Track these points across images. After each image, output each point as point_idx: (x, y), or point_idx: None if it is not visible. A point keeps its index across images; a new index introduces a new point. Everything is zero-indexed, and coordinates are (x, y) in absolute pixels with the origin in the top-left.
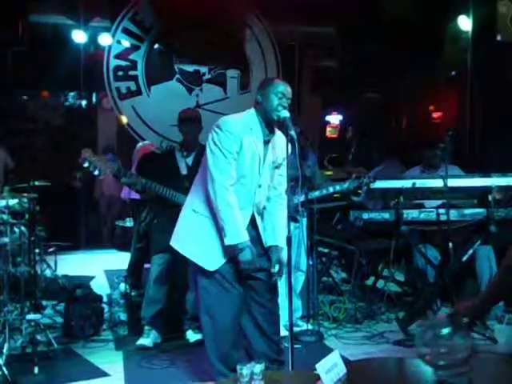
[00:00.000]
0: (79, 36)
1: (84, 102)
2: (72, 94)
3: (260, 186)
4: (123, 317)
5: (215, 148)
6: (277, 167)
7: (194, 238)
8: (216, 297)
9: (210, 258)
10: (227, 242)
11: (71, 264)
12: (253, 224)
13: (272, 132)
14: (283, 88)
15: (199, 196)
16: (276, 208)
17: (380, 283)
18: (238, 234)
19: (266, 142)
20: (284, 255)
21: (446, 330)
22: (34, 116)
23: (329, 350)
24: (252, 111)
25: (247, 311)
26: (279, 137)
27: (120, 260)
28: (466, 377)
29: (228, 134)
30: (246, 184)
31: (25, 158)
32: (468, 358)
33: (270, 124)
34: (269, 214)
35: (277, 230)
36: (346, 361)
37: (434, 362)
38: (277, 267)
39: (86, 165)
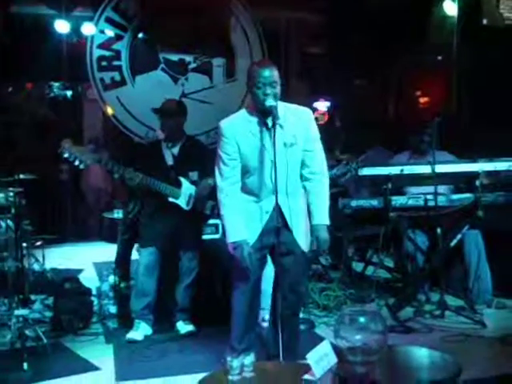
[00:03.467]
0: (62, 26)
1: (69, 93)
2: (57, 84)
3: (281, 172)
4: (113, 309)
5: (218, 152)
6: (290, 146)
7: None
8: (237, 280)
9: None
10: (229, 240)
11: (59, 257)
12: (280, 211)
13: (274, 116)
14: (262, 73)
15: None
16: (312, 185)
17: (369, 270)
18: (235, 233)
19: (271, 127)
20: (322, 233)
21: (362, 319)
22: (18, 108)
23: (320, 339)
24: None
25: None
26: (293, 114)
27: (109, 252)
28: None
29: (224, 139)
30: (259, 176)
31: (9, 150)
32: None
33: (266, 112)
34: (308, 194)
35: (313, 208)
36: (336, 350)
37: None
38: (312, 246)
39: (65, 155)
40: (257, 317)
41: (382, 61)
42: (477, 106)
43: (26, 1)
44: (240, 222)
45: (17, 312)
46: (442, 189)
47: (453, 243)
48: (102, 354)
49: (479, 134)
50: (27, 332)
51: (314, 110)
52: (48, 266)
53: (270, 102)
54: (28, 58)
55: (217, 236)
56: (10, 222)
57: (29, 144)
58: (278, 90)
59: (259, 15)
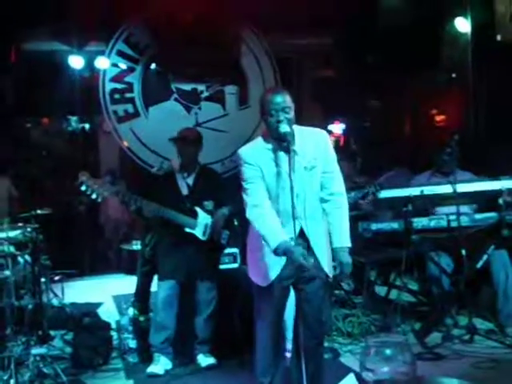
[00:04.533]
0: (75, 61)
1: (87, 126)
2: (74, 118)
3: (298, 196)
4: (132, 344)
5: (242, 181)
6: (310, 169)
7: (251, 257)
8: (260, 312)
9: (262, 275)
10: (272, 247)
11: (78, 291)
12: (303, 237)
13: (289, 142)
14: (274, 100)
15: None
16: (331, 207)
17: (393, 294)
18: (276, 236)
19: (290, 152)
20: (344, 256)
21: (388, 351)
22: (35, 143)
23: (345, 368)
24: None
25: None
26: (310, 137)
27: (128, 284)
28: None
29: (246, 165)
30: (280, 202)
31: (28, 186)
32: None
33: (281, 139)
34: (328, 216)
35: (333, 231)
36: (362, 381)
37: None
38: (334, 270)
39: (83, 188)
40: (283, 349)
41: (396, 81)
42: (494, 122)
43: (39, 37)
44: (277, 225)
45: (34, 351)
46: (464, 209)
47: (479, 264)
48: None
49: (498, 151)
50: (46, 370)
51: (330, 132)
52: (67, 300)
53: (283, 128)
54: (42, 93)
55: (235, 265)
56: (28, 258)
57: (47, 179)
58: (291, 115)
59: (270, 42)
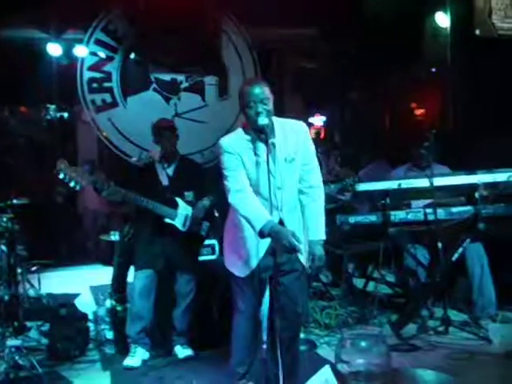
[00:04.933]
0: (53, 49)
1: (65, 115)
2: (52, 107)
3: (279, 188)
4: (110, 335)
5: (223, 170)
6: (290, 161)
7: (229, 248)
8: (238, 303)
9: (240, 266)
10: (257, 228)
11: (55, 282)
12: None
13: (267, 133)
14: (252, 91)
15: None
16: (308, 200)
17: (371, 286)
18: (261, 217)
19: (270, 145)
20: (318, 249)
21: (363, 343)
22: (13, 131)
23: (321, 360)
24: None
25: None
26: (290, 129)
27: (106, 275)
28: None
29: (226, 154)
30: (259, 192)
31: (5, 175)
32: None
33: (260, 130)
34: (303, 208)
35: (309, 223)
36: (338, 375)
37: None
38: (307, 262)
39: (61, 176)
40: (260, 341)
41: (377, 74)
42: (472, 117)
43: (17, 24)
44: (261, 207)
45: (9, 342)
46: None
47: (455, 257)
48: (98, 383)
49: (475, 146)
50: (21, 362)
51: (310, 125)
52: (44, 291)
53: (262, 120)
54: (19, 81)
55: (213, 257)
56: (4, 248)
57: (24, 167)
58: (270, 106)
59: (251, 32)
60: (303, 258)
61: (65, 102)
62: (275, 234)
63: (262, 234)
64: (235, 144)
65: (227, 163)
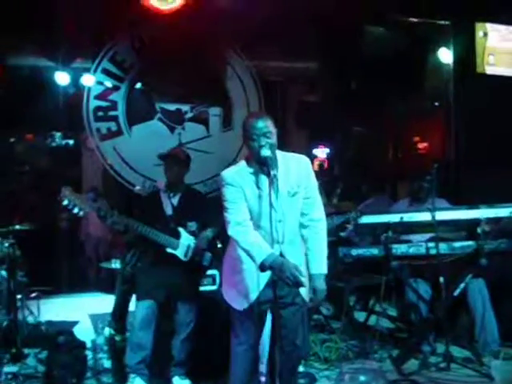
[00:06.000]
0: (61, 77)
1: (71, 142)
2: (58, 134)
3: (281, 221)
4: (107, 364)
5: (224, 202)
6: (293, 195)
7: (227, 280)
8: (237, 336)
9: (239, 299)
10: (258, 261)
11: (55, 309)
12: None
13: (269, 166)
14: (256, 125)
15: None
16: (310, 233)
17: (372, 320)
18: (262, 249)
19: (273, 177)
20: (320, 283)
21: (363, 377)
22: (18, 158)
23: None
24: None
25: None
26: (292, 163)
27: (106, 303)
28: None
29: (229, 187)
30: (261, 226)
31: (8, 200)
32: None
33: (262, 163)
34: (306, 242)
35: (311, 257)
36: None
37: None
38: (307, 296)
39: (65, 202)
40: (257, 375)
41: (380, 107)
42: (474, 151)
43: (24, 53)
44: (261, 240)
45: (6, 369)
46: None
47: (456, 292)
48: None
49: (478, 179)
50: None
51: (314, 157)
52: (43, 318)
53: (265, 152)
54: (26, 109)
55: (214, 287)
56: (4, 274)
57: (28, 194)
58: (273, 140)
59: (256, 65)
60: (304, 291)
61: (70, 130)
62: (278, 267)
63: (263, 267)
64: (237, 176)
65: (229, 195)
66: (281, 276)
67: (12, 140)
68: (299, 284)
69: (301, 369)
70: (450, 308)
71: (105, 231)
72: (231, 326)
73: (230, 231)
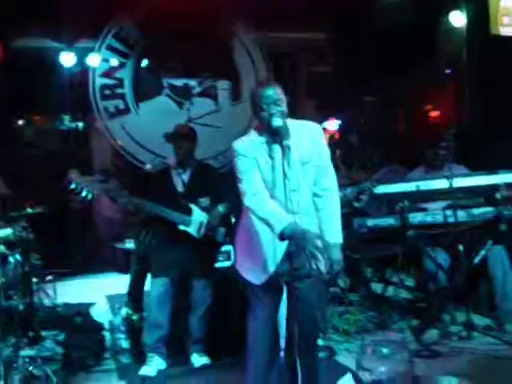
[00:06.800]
0: (66, 58)
1: (80, 124)
2: (66, 116)
3: (295, 190)
4: (125, 344)
5: (237, 173)
6: (306, 163)
7: (243, 254)
8: (254, 311)
9: (255, 272)
10: (277, 230)
11: (71, 291)
12: None
13: (282, 135)
14: (265, 93)
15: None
16: (323, 203)
17: (389, 290)
18: (282, 218)
19: (285, 147)
20: (336, 253)
21: (385, 350)
22: (27, 141)
23: (341, 368)
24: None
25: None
26: (304, 130)
27: (122, 283)
28: None
29: (241, 157)
30: (275, 195)
31: (20, 184)
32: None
33: (274, 132)
34: (319, 211)
35: (326, 227)
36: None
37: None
38: (324, 266)
39: (72, 186)
40: (277, 352)
41: (391, 76)
42: (490, 116)
43: (28, 35)
44: (280, 209)
45: (23, 353)
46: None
47: (476, 260)
48: None
49: (495, 145)
50: (36, 372)
51: (324, 130)
52: (60, 300)
53: (276, 121)
54: (33, 91)
55: (228, 263)
56: (18, 257)
57: (39, 177)
58: (283, 107)
59: (263, 36)
60: (320, 263)
61: (79, 111)
62: (301, 236)
63: (282, 237)
64: (249, 147)
65: (242, 166)
66: (303, 246)
67: (20, 123)
68: (317, 251)
69: (320, 342)
70: (470, 276)
71: (117, 211)
72: (248, 301)
73: (247, 202)
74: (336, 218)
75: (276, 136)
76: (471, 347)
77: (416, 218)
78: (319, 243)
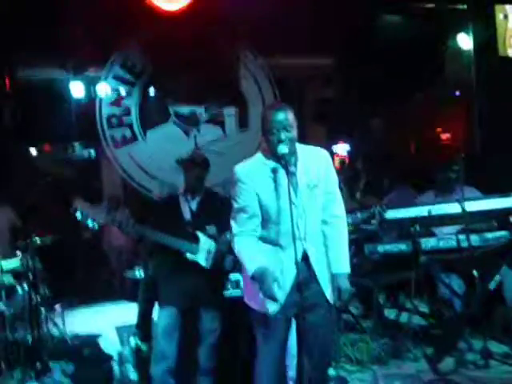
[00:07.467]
0: (74, 87)
1: (90, 152)
2: (77, 144)
3: (302, 217)
4: (134, 375)
5: (232, 201)
6: (313, 188)
7: (252, 284)
8: (263, 345)
9: (266, 302)
10: (248, 273)
11: (80, 320)
12: (306, 261)
13: (287, 162)
14: (275, 118)
15: None
16: (331, 231)
17: (403, 317)
18: (253, 262)
19: (291, 174)
20: (344, 283)
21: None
22: (37, 170)
23: None
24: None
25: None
26: (312, 156)
27: (132, 312)
28: None
29: (240, 185)
30: (282, 222)
31: (30, 213)
32: None
33: (279, 158)
34: (327, 239)
35: (333, 256)
36: None
37: None
38: (331, 296)
39: (78, 215)
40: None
41: (399, 99)
42: (501, 138)
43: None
44: (257, 252)
45: None
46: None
47: (492, 285)
48: None
49: (505, 167)
50: None
51: (333, 154)
52: (69, 329)
53: (282, 149)
54: (43, 120)
55: (238, 292)
56: (26, 288)
57: (49, 206)
58: (293, 133)
59: (270, 63)
60: (328, 293)
61: (88, 140)
62: (259, 277)
63: (253, 278)
64: (252, 172)
65: (238, 194)
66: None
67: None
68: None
69: (332, 372)
70: (486, 302)
71: (126, 240)
72: (257, 334)
73: (234, 240)
74: (343, 246)
75: (282, 161)
76: (489, 376)
77: (429, 243)
78: (272, 292)
